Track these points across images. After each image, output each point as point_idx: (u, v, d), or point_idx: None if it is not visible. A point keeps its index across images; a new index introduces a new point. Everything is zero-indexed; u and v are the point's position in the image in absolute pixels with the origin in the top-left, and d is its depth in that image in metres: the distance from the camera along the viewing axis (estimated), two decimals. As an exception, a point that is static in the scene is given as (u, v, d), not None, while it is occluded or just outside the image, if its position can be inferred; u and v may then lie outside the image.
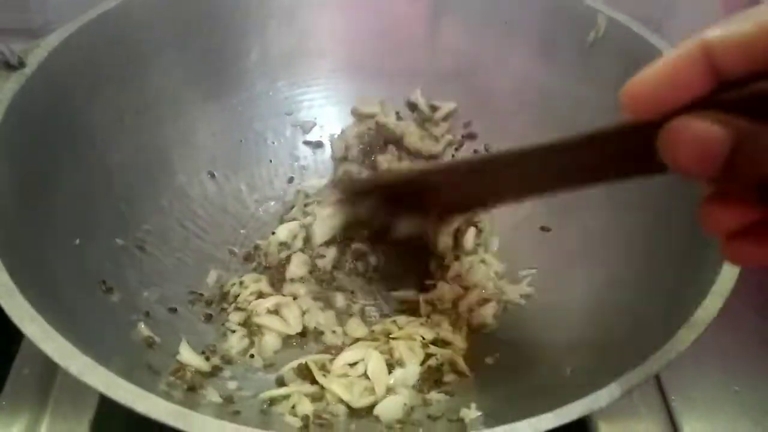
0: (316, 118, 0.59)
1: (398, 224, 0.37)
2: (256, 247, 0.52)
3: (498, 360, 0.45)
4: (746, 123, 0.21)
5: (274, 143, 0.58)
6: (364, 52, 0.57)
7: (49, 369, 0.48)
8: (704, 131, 0.21)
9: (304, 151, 0.59)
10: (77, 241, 0.42)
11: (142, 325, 0.42)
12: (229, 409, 0.39)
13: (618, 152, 0.26)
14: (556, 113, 0.53)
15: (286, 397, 0.41)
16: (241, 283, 0.49)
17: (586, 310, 0.45)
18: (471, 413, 0.39)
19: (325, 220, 0.51)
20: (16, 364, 0.49)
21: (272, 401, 0.41)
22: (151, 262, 0.47)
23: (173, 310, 0.46)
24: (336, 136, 0.59)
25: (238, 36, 0.55)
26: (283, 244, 0.52)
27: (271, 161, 0.57)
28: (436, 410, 0.41)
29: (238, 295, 0.48)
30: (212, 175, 0.54)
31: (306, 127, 0.59)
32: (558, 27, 0.52)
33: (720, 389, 0.46)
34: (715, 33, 0.21)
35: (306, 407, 0.40)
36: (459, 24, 0.55)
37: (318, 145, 0.59)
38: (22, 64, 0.42)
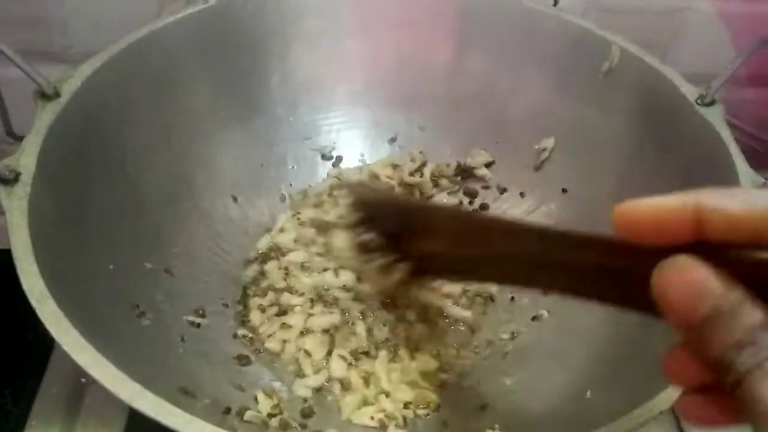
0: (335, 143, 0.60)
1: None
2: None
3: (518, 381, 0.46)
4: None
5: (293, 167, 0.59)
6: (383, 78, 0.58)
7: (77, 388, 0.50)
8: (694, 277, 0.20)
9: (323, 175, 0.60)
10: (111, 267, 0.42)
11: (179, 349, 0.43)
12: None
13: (617, 267, 0.24)
14: (568, 141, 0.55)
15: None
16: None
17: (601, 330, 0.46)
18: (495, 435, 0.40)
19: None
20: (44, 384, 0.50)
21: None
22: (179, 286, 0.48)
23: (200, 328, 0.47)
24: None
25: (261, 62, 0.56)
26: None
27: (291, 185, 0.58)
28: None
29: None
30: (235, 199, 0.55)
31: (325, 152, 0.60)
32: (574, 57, 0.53)
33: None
34: (708, 200, 0.20)
35: None
36: (478, 52, 0.56)
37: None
38: (57, 95, 0.43)
